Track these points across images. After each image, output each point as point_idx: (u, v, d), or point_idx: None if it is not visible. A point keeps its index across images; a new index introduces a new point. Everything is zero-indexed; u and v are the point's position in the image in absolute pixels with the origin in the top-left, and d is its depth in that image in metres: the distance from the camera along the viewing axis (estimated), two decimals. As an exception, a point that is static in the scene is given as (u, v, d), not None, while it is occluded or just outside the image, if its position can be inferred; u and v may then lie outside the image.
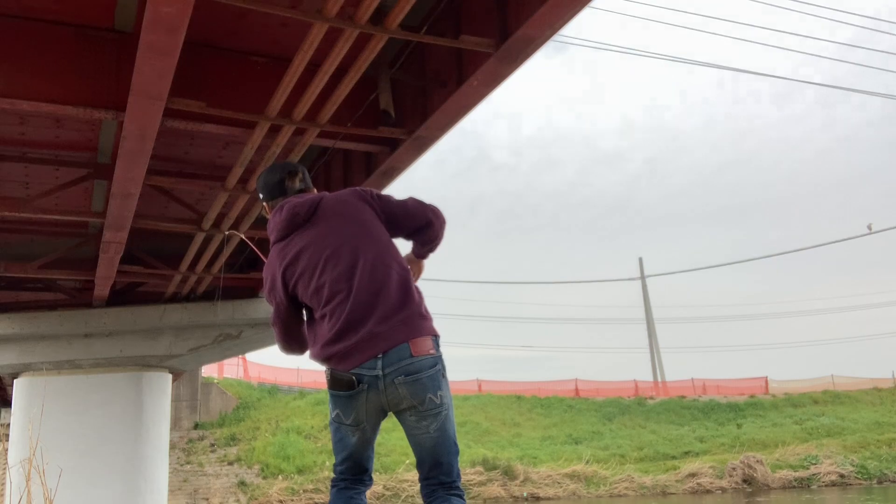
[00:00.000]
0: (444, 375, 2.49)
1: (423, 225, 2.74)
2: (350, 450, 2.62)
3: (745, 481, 25.21)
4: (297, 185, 2.89)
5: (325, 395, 29.80)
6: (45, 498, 4.02)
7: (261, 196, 2.95)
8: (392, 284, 2.54)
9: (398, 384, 2.41)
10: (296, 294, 2.67)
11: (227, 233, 4.41)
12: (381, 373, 2.41)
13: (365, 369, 2.43)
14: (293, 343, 2.79)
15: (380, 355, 2.42)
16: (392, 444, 24.83)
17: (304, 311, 2.76)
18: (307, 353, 2.73)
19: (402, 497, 23.31)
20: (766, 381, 35.74)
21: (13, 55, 5.41)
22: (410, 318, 2.50)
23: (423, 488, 2.58)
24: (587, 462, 26.03)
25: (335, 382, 2.50)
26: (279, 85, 5.52)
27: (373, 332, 2.46)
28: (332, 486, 2.69)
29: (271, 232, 2.78)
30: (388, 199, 2.76)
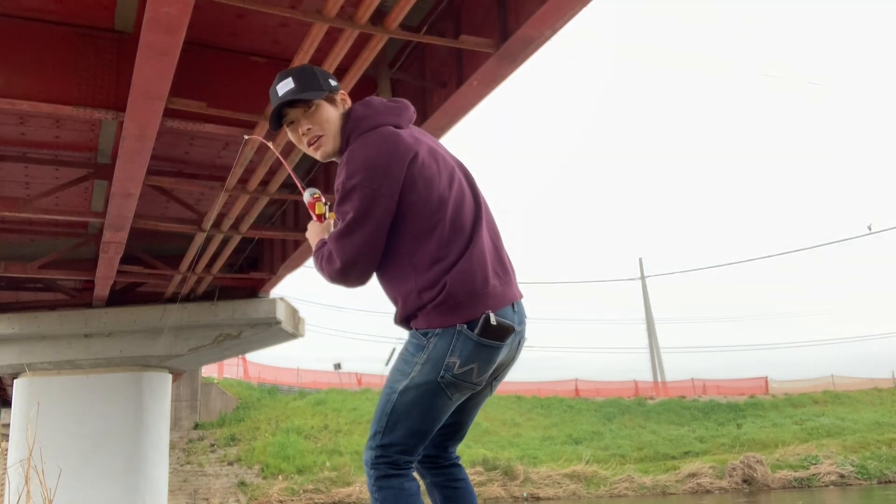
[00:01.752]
0: None
1: None
2: (440, 423, 2.10)
3: (745, 481, 25.20)
4: None
5: (325, 396, 29.60)
6: (44, 498, 4.02)
7: (333, 84, 2.27)
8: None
9: (519, 343, 2.16)
10: (410, 196, 2.05)
11: (246, 137, 3.45)
12: (516, 328, 2.09)
13: (506, 318, 2.05)
14: (371, 260, 2.09)
15: (514, 305, 2.11)
16: (392, 445, 24.63)
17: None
18: (368, 280, 2.15)
19: (402, 497, 23.25)
20: (766, 382, 35.74)
21: (13, 55, 5.41)
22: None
23: (453, 457, 2.28)
24: (587, 462, 26.02)
25: (496, 330, 2.00)
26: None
27: (511, 279, 2.16)
28: (405, 472, 2.08)
29: (380, 112, 2.19)
30: None
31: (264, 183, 7.66)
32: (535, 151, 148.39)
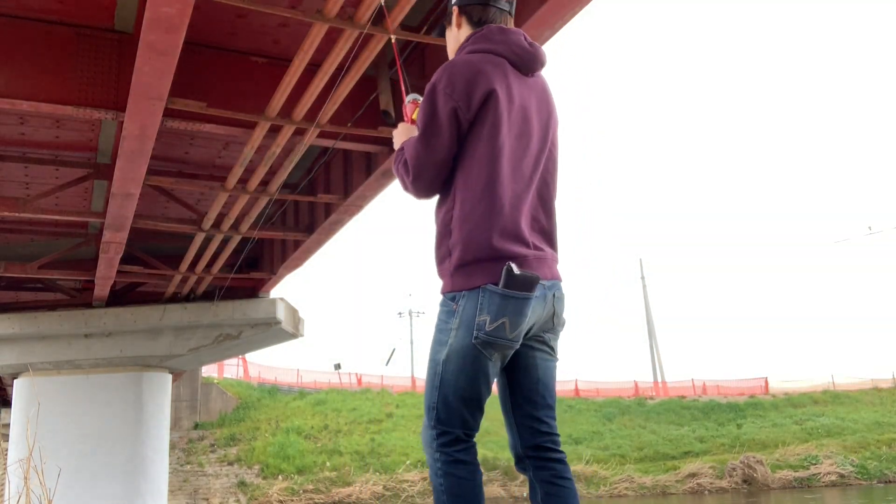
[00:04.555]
0: None
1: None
2: (490, 389, 2.06)
3: (745, 481, 25.21)
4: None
5: (325, 396, 29.54)
6: (43, 498, 4.02)
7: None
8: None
9: (557, 298, 2.13)
10: (476, 128, 2.04)
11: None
12: (545, 289, 2.08)
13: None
14: (434, 173, 2.08)
15: (547, 282, 2.10)
16: (392, 444, 24.79)
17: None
18: (428, 196, 2.14)
19: (402, 497, 23.29)
20: (766, 382, 35.77)
21: (13, 55, 5.41)
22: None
23: (558, 449, 2.21)
24: (587, 462, 26.04)
25: (520, 281, 1.95)
26: (279, 85, 5.53)
27: (554, 256, 2.20)
28: (462, 460, 2.03)
29: (490, 38, 2.26)
30: None
31: (264, 183, 7.66)
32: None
